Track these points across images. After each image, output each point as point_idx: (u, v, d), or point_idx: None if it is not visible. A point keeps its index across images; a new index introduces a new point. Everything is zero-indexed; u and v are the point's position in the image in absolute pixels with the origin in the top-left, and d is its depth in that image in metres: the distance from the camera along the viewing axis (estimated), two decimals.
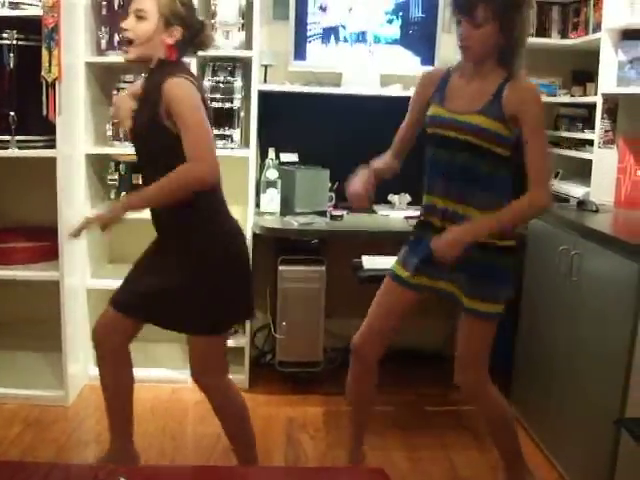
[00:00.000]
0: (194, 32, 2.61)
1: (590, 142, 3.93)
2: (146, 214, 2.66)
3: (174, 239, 2.65)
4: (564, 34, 4.25)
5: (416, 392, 4.09)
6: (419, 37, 4.16)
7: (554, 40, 4.24)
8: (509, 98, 2.54)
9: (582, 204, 3.56)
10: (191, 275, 2.61)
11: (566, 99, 4.27)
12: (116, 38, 3.82)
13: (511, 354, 3.84)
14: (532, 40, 4.17)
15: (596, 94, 3.83)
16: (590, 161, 3.86)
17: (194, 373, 2.79)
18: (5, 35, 3.50)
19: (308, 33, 4.11)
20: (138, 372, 3.90)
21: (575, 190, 3.93)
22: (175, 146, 2.47)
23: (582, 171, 4.00)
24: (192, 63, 3.80)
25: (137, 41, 2.51)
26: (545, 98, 4.26)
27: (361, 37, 4.13)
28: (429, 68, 2.88)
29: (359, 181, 2.70)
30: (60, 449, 3.29)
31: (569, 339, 3.19)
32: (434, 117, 2.67)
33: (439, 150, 2.66)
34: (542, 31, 4.25)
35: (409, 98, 2.83)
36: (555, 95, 4.29)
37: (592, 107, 3.92)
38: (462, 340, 2.76)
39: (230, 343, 4.06)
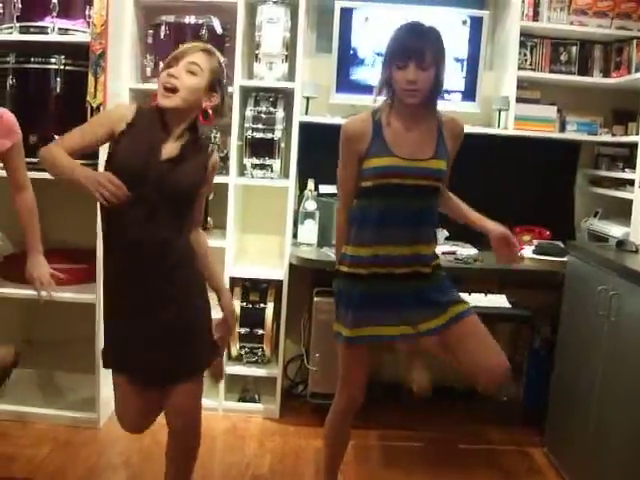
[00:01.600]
0: (223, 102, 2.60)
1: (631, 182, 3.89)
2: None
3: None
4: (606, 73, 4.22)
5: (449, 429, 4.04)
6: (460, 74, 4.17)
7: (596, 79, 4.22)
8: (449, 135, 2.73)
9: (621, 244, 3.52)
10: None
11: (607, 138, 4.24)
12: (161, 66, 3.86)
13: (546, 395, 3.78)
14: (574, 78, 4.20)
15: (637, 133, 3.81)
16: (630, 201, 3.82)
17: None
18: (53, 60, 3.59)
19: (350, 66, 4.15)
20: None
21: (614, 230, 3.90)
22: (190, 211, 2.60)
23: (622, 211, 3.96)
24: (235, 93, 3.86)
25: (182, 93, 2.43)
26: (586, 137, 4.27)
27: None
28: (352, 120, 2.74)
29: None
30: (89, 471, 3.29)
31: (606, 381, 3.13)
32: (388, 167, 2.64)
33: (393, 199, 2.66)
34: (584, 70, 4.23)
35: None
36: (596, 134, 4.26)
37: (633, 146, 3.90)
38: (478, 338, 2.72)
39: (262, 373, 4.10)
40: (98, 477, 3.30)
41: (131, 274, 2.48)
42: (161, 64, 3.83)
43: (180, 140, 2.50)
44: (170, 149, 2.47)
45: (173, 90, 2.43)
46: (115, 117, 2.50)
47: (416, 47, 2.58)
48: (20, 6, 3.58)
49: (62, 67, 3.58)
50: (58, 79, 3.59)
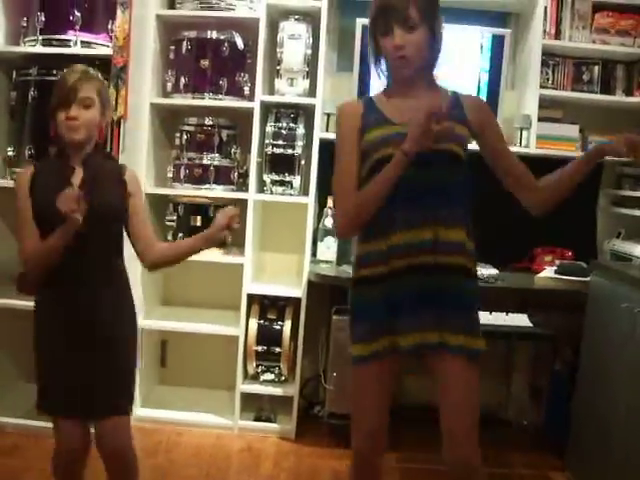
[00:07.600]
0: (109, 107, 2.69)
1: None
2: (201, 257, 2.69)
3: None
4: (628, 92, 4.17)
5: None
6: (482, 93, 4.13)
7: (618, 98, 4.17)
8: (470, 106, 2.40)
9: None
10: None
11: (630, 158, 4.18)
12: (182, 81, 3.90)
13: (567, 418, 3.71)
14: (596, 97, 4.16)
15: None
16: None
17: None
18: None
19: (371, 85, 4.11)
20: (184, 416, 3.91)
21: (638, 250, 3.84)
22: (122, 228, 2.63)
23: None
24: (255, 109, 3.85)
25: (86, 127, 2.50)
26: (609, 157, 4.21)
27: None
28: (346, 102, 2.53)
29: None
30: None
31: (630, 402, 3.06)
32: (388, 137, 2.28)
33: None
34: (606, 89, 4.19)
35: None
36: None
37: None
38: (459, 394, 2.40)
39: (279, 392, 4.06)
40: None
41: (66, 300, 2.52)
42: (182, 80, 3.89)
43: (86, 164, 2.55)
44: (79, 177, 2.53)
45: (78, 128, 2.49)
46: (23, 185, 2.52)
47: (395, 4, 2.23)
48: (43, 19, 3.62)
49: None
50: None
